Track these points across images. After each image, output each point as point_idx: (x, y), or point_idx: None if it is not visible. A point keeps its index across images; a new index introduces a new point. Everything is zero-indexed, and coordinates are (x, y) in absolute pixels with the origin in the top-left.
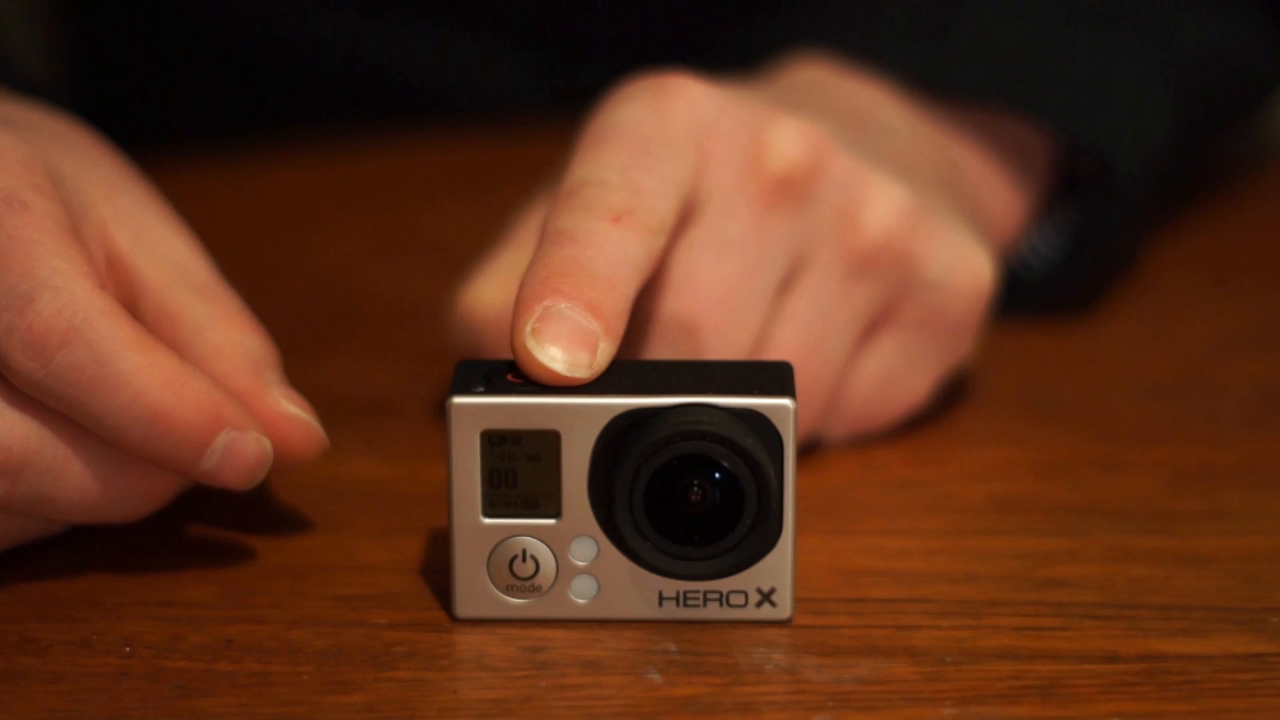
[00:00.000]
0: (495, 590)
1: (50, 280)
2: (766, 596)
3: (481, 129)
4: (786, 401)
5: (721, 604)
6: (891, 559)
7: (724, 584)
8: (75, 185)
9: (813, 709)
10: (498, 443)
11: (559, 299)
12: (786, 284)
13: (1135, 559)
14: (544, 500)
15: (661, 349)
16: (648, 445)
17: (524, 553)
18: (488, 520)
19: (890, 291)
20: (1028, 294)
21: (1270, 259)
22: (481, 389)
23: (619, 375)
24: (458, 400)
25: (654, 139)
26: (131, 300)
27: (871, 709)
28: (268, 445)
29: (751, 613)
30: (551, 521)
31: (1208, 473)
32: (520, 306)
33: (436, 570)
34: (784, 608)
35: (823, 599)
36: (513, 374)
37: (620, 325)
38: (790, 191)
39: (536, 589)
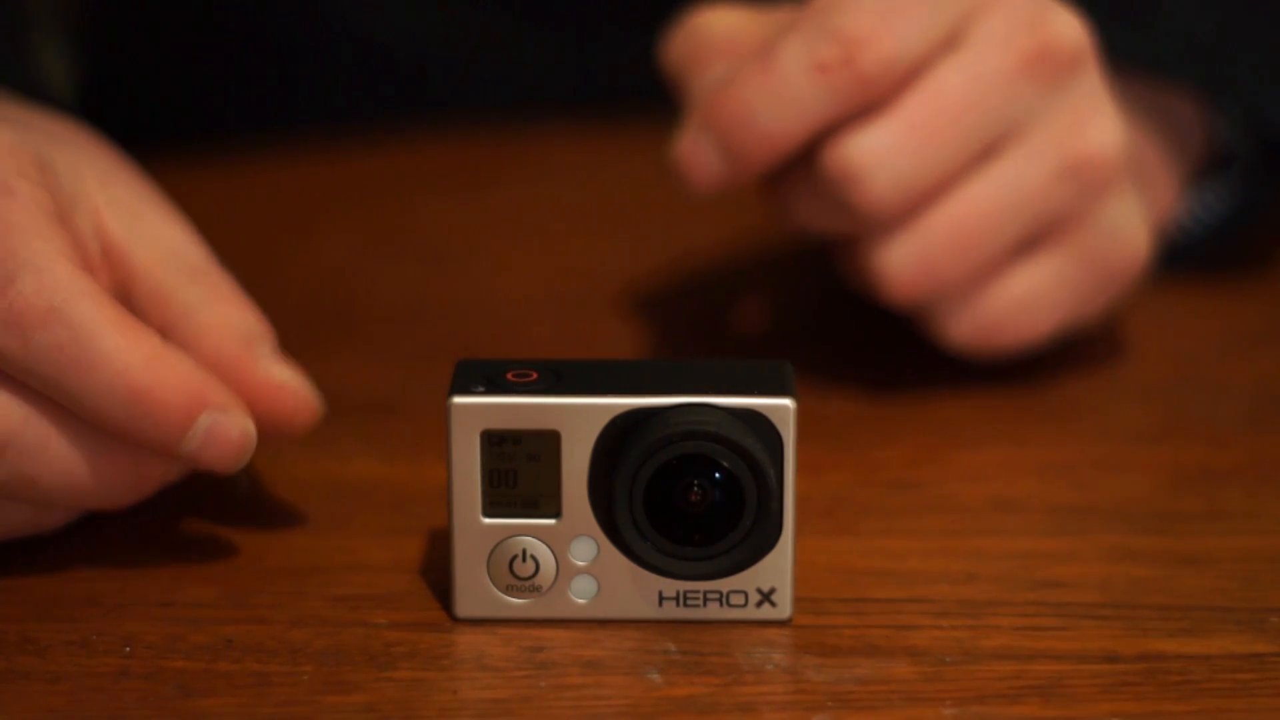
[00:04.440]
0: (495, 590)
1: (31, 261)
2: (766, 596)
3: (483, 128)
4: (786, 401)
5: (721, 604)
6: (891, 559)
7: (724, 584)
8: (68, 174)
9: (813, 709)
10: (498, 443)
11: (712, 131)
12: (995, 146)
13: (1135, 559)
14: (544, 500)
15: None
16: (648, 445)
17: (524, 552)
18: (488, 520)
19: (1073, 211)
20: (1178, 255)
21: (1271, 260)
22: (481, 389)
23: (619, 375)
24: (458, 400)
25: None
26: (125, 286)
27: (871, 709)
28: (251, 428)
29: (751, 613)
30: (551, 521)
31: (1208, 473)
32: (691, 121)
33: (436, 570)
34: (784, 608)
35: (823, 599)
36: (513, 374)
37: (753, 171)
38: (1050, 64)
39: (536, 589)
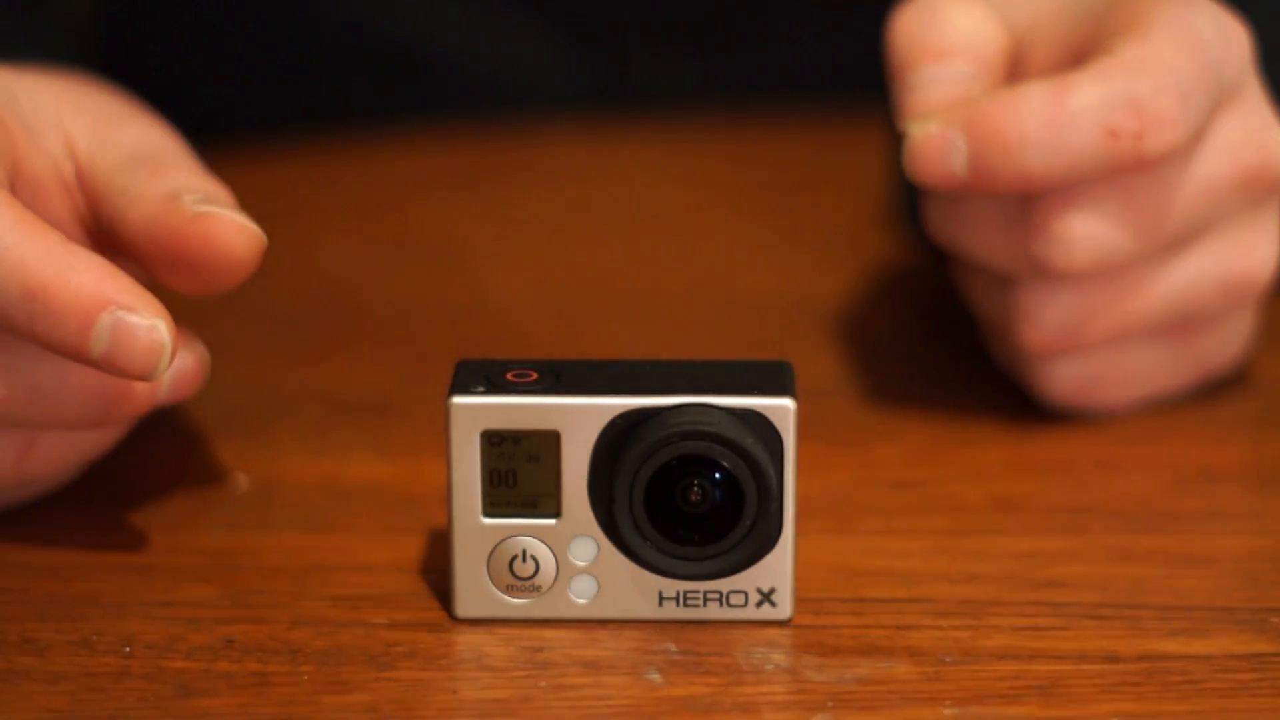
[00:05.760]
0: (495, 590)
1: None
2: (766, 596)
3: (484, 128)
4: (787, 402)
5: (721, 604)
6: (891, 559)
7: (724, 584)
8: (33, 101)
9: (813, 709)
10: (498, 443)
11: (970, 139)
12: (1182, 242)
13: (1135, 559)
14: (544, 500)
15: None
16: (648, 445)
17: (524, 553)
18: (488, 520)
19: (1210, 316)
20: None
21: None
22: (481, 389)
23: (619, 375)
24: (458, 400)
25: (1216, 68)
26: (94, 197)
27: (871, 709)
28: (162, 326)
29: (751, 613)
30: (551, 521)
31: (1208, 473)
32: (948, 115)
33: (436, 570)
34: (784, 608)
35: (823, 599)
36: (513, 374)
37: (989, 193)
38: (1260, 185)
39: (536, 589)
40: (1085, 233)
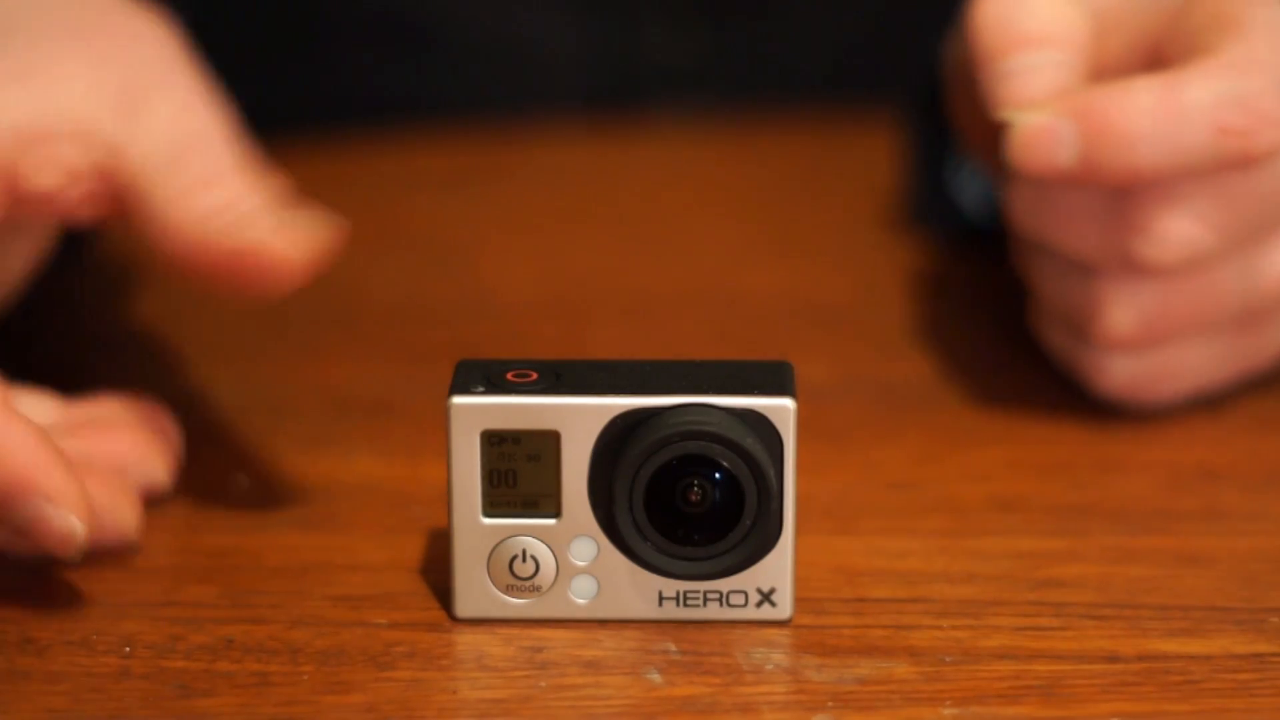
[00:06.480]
0: (495, 590)
1: None
2: (766, 596)
3: (484, 128)
4: (787, 402)
5: (721, 604)
6: (891, 559)
7: (724, 584)
8: (40, 107)
9: (813, 709)
10: (498, 443)
11: (1080, 131)
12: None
13: (1135, 559)
14: (544, 500)
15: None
16: (648, 445)
17: (524, 553)
18: (488, 520)
19: (1276, 308)
20: None
21: None
22: (481, 389)
23: (619, 375)
24: (458, 400)
25: None
26: (120, 189)
27: (871, 709)
28: (78, 525)
29: (751, 613)
30: (551, 521)
31: (1208, 473)
32: (1060, 106)
33: (436, 570)
34: (784, 608)
35: (823, 599)
36: (513, 374)
37: (1096, 185)
38: None
39: (536, 589)
40: (1180, 229)
